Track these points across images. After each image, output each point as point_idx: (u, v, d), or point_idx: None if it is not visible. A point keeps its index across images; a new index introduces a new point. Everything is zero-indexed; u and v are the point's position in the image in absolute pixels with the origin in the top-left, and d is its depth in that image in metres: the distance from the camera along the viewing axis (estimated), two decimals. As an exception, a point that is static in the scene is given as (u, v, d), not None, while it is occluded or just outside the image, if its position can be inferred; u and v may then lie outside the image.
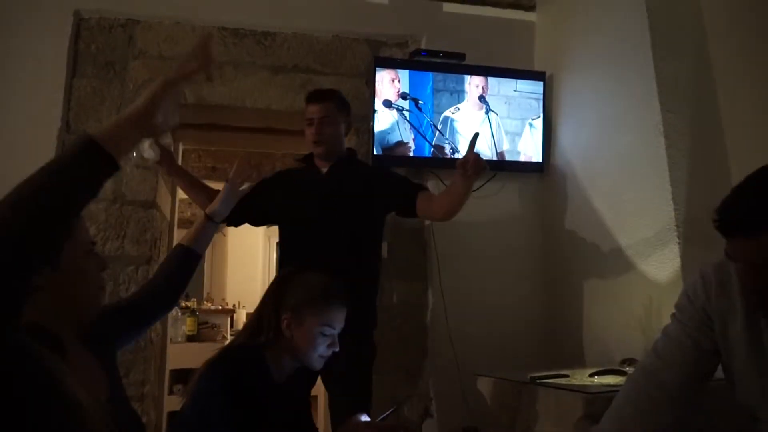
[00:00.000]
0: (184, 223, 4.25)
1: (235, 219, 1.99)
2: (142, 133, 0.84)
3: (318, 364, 1.39)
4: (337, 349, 1.40)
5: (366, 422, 1.47)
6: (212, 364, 1.30)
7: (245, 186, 1.58)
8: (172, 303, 1.36)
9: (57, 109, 2.27)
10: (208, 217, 1.43)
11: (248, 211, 1.99)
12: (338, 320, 1.40)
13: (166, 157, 1.88)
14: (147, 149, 1.82)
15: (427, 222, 2.50)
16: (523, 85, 2.61)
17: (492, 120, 2.57)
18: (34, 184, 0.74)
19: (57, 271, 0.93)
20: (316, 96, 1.99)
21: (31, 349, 0.82)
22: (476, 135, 1.72)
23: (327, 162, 1.98)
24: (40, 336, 0.89)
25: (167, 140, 2.00)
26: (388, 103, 2.44)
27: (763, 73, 1.93)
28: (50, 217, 0.74)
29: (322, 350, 1.37)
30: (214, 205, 1.46)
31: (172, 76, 0.84)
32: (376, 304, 2.00)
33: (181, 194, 2.89)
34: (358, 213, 1.91)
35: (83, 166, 0.77)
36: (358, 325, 1.73)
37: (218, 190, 2.07)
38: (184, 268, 1.34)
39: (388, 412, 1.48)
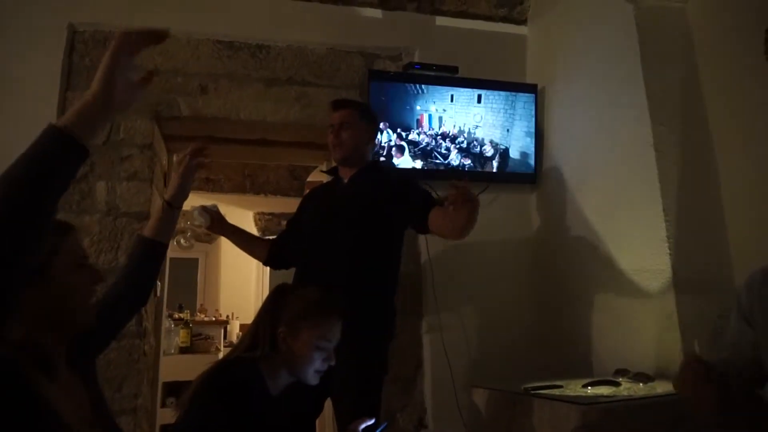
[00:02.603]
0: (176, 235, 4.24)
1: (285, 254, 2.06)
2: (107, 114, 0.82)
3: (313, 379, 1.38)
4: (333, 363, 1.39)
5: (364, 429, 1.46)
6: (207, 377, 1.30)
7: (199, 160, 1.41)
8: (144, 300, 1.28)
9: (51, 122, 2.26)
10: (169, 204, 1.33)
11: (293, 236, 2.06)
12: (334, 333, 1.39)
13: (217, 221, 2.00)
14: (197, 216, 1.98)
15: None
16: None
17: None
18: (5, 182, 0.74)
19: (45, 283, 0.92)
20: (337, 103, 2.03)
21: (19, 368, 0.82)
22: (453, 183, 1.59)
23: (349, 170, 1.97)
24: (32, 353, 0.89)
25: (214, 206, 2.05)
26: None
27: (750, 85, 1.96)
28: (26, 213, 0.73)
29: (318, 364, 1.37)
30: (172, 190, 1.35)
31: (114, 47, 0.82)
32: (388, 318, 1.91)
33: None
34: (373, 222, 1.87)
35: (54, 157, 0.76)
36: (365, 339, 1.73)
37: (267, 240, 2.12)
38: (152, 261, 1.28)
39: (383, 425, 1.48)
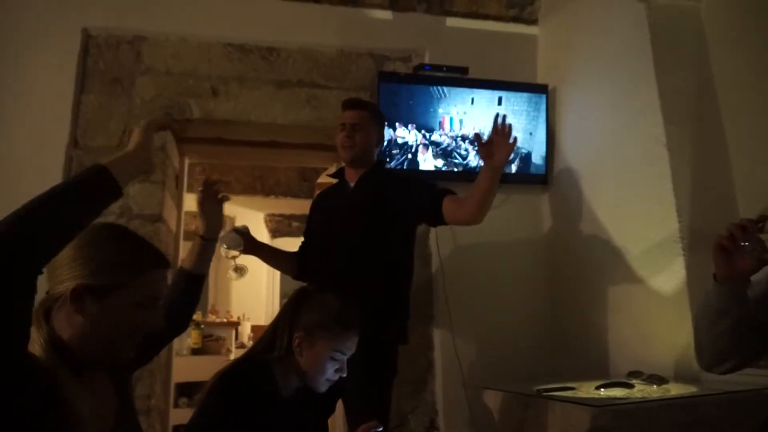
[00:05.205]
0: (189, 236, 4.28)
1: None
2: (140, 168, 1.01)
3: (323, 387, 1.39)
4: (344, 375, 1.40)
5: None
6: (222, 377, 1.31)
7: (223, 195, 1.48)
8: (182, 327, 1.33)
9: (65, 125, 2.29)
10: (203, 238, 1.39)
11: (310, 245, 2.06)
12: (350, 347, 1.40)
13: (249, 242, 1.92)
14: (231, 245, 1.89)
15: (432, 234, 2.51)
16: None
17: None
18: (46, 199, 0.82)
19: (101, 309, 0.93)
20: (351, 103, 2.03)
21: (43, 366, 0.83)
22: (498, 114, 1.70)
23: (356, 171, 1.98)
24: (62, 352, 0.90)
25: (244, 227, 1.98)
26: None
27: (764, 85, 1.94)
28: (56, 228, 0.80)
29: (329, 374, 1.38)
30: (202, 226, 1.42)
31: (149, 130, 1.05)
32: (402, 319, 1.92)
33: (187, 207, 2.92)
34: (383, 226, 1.88)
35: (93, 188, 0.89)
36: (377, 339, 1.73)
37: (294, 254, 2.11)
38: (190, 292, 1.33)
39: (395, 427, 1.48)
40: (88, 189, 0.88)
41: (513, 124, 2.55)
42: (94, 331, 0.94)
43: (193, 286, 1.33)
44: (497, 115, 1.73)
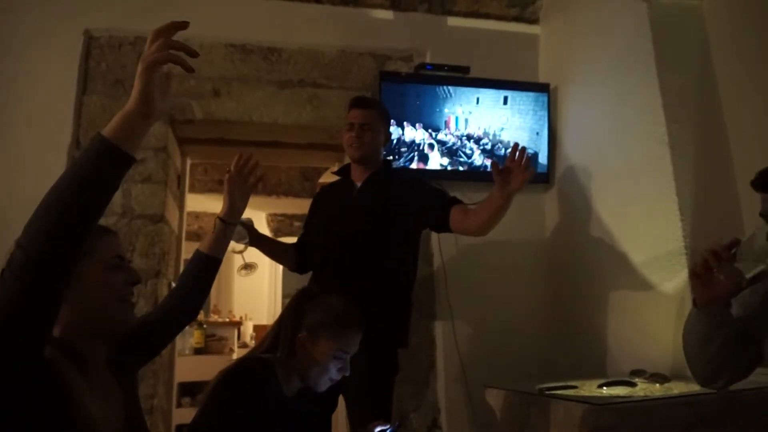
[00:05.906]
0: (191, 237, 4.28)
1: (308, 258, 2.03)
2: (149, 121, 0.87)
3: (324, 386, 1.40)
4: (347, 374, 1.41)
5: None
6: (225, 376, 1.32)
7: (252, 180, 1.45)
8: (194, 314, 1.31)
9: (67, 126, 2.30)
10: (222, 221, 1.36)
11: (310, 238, 2.05)
12: (352, 346, 1.41)
13: (252, 235, 1.90)
14: (237, 238, 1.82)
15: (434, 235, 2.51)
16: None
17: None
18: (54, 193, 0.79)
19: (79, 283, 0.93)
20: (359, 102, 2.02)
21: (54, 367, 0.84)
22: (517, 144, 1.70)
23: (363, 171, 1.98)
24: (67, 351, 0.91)
25: (248, 219, 1.91)
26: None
27: (766, 83, 1.94)
28: (78, 220, 0.79)
29: (333, 373, 1.38)
30: (224, 207, 1.38)
31: (147, 60, 0.87)
32: (404, 322, 1.94)
33: (189, 207, 2.92)
34: (389, 229, 1.89)
35: (102, 167, 0.81)
36: (379, 341, 1.73)
37: (293, 246, 2.10)
38: (204, 274, 1.30)
39: (396, 424, 1.49)
40: (95, 173, 0.80)
41: (519, 124, 2.59)
42: (83, 310, 0.95)
43: (207, 269, 1.30)
44: (516, 145, 1.72)
